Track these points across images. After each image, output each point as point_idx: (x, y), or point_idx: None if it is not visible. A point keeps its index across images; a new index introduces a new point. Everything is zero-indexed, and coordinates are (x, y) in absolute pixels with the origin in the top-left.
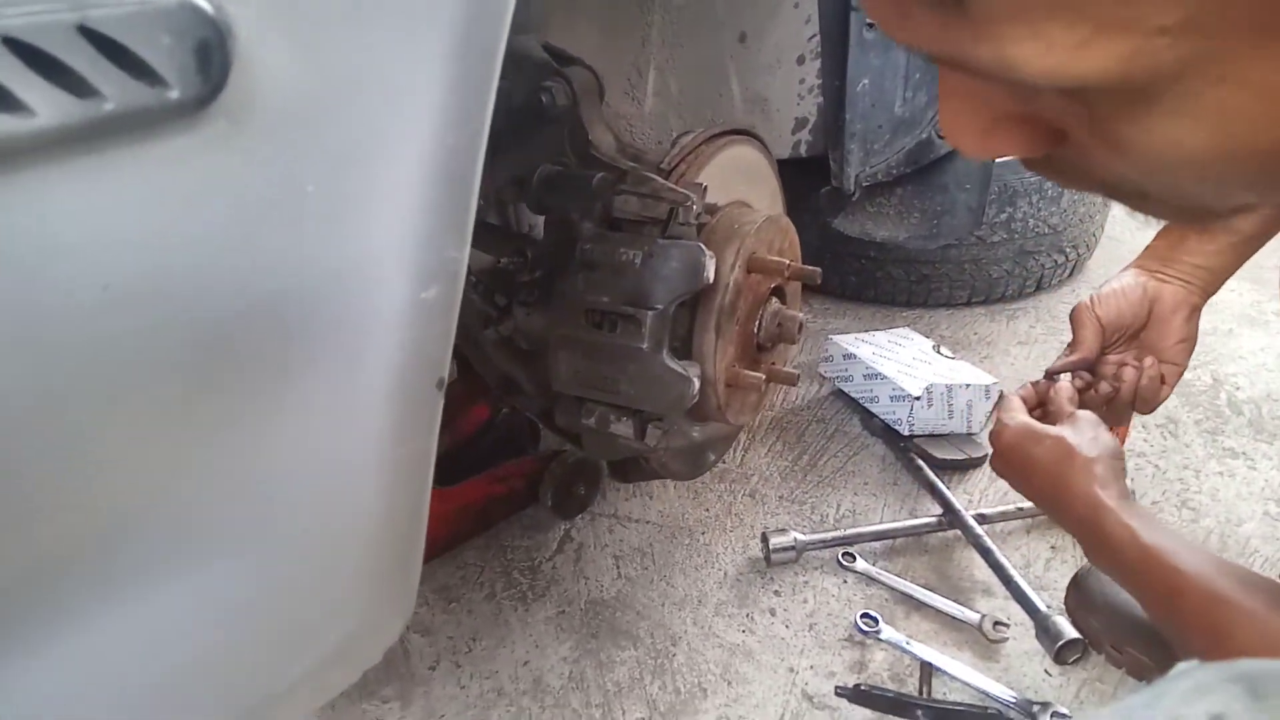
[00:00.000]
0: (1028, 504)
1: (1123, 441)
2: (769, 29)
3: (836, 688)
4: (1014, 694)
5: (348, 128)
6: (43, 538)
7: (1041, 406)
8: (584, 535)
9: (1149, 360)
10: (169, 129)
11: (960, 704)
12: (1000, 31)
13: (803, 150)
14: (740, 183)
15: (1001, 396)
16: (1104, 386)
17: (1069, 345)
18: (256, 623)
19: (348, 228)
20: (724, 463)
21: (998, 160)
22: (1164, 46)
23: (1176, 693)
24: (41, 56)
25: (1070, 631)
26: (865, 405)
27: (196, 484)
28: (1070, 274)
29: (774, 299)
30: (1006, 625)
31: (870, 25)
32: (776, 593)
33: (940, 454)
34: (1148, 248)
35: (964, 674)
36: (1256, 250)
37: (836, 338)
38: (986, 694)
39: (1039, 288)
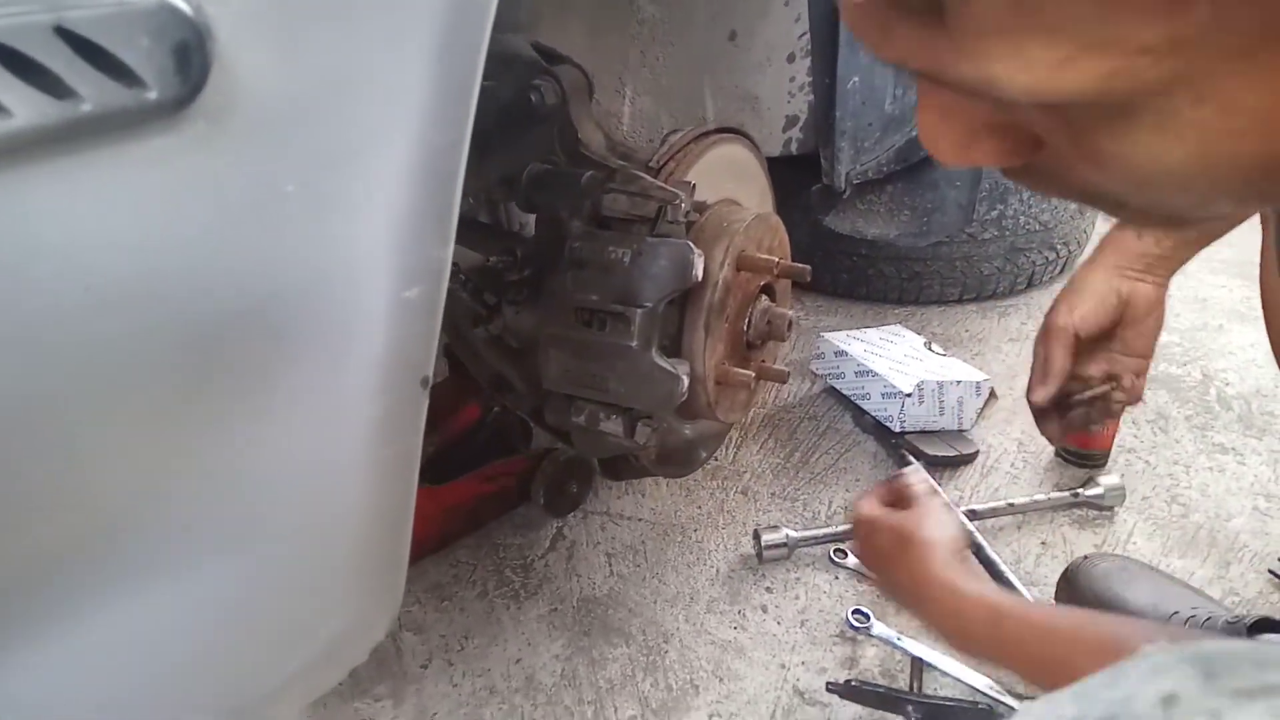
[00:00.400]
0: (1019, 500)
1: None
2: (759, 27)
3: (828, 684)
4: (1004, 688)
5: (329, 128)
6: (31, 539)
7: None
8: (576, 533)
9: (1132, 364)
10: (148, 130)
11: (951, 699)
12: (981, 49)
13: (793, 148)
14: (729, 181)
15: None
16: (1087, 393)
17: (1042, 363)
18: (244, 622)
19: (330, 227)
20: (716, 460)
21: None
22: (1145, 66)
23: (1135, 674)
24: (18, 58)
25: None
26: (857, 402)
27: (182, 484)
28: (1061, 271)
29: (764, 297)
30: None
31: None
32: (768, 589)
33: (931, 450)
34: (1111, 237)
35: (954, 669)
36: (1225, 234)
37: (828, 335)
38: (976, 689)
39: (1030, 285)
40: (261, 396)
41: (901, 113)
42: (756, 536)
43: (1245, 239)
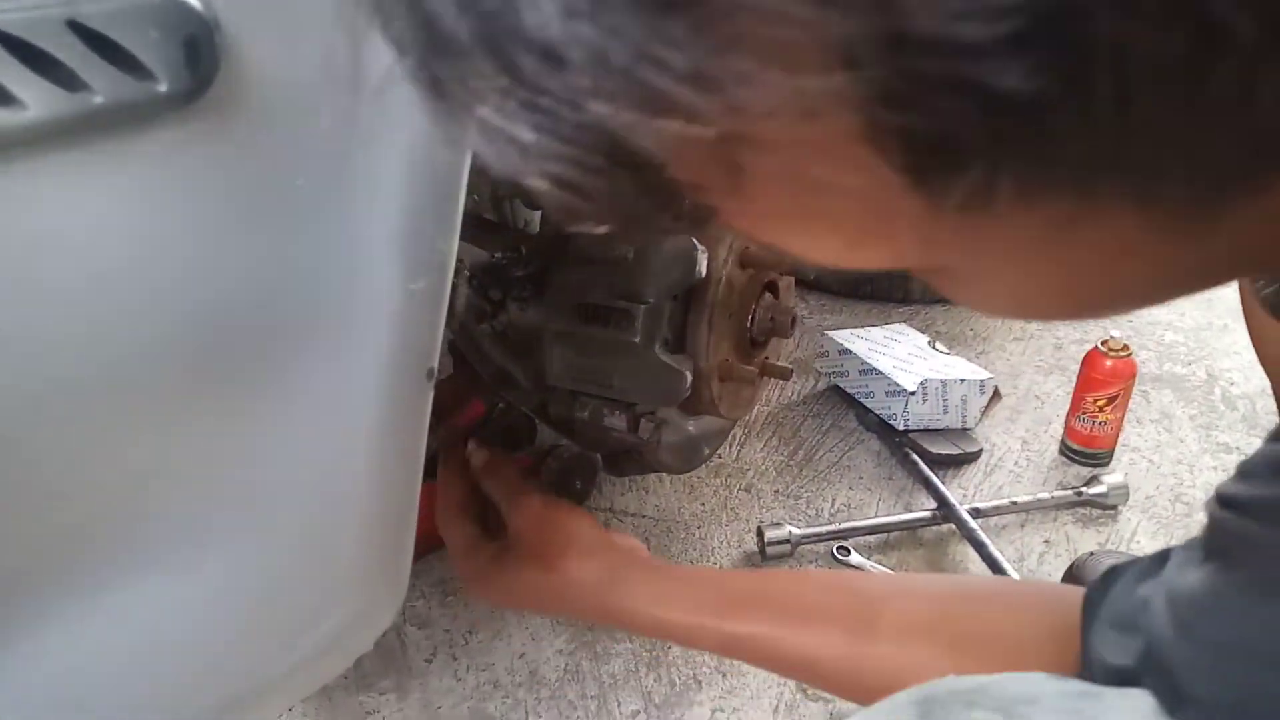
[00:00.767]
0: (1022, 498)
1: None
2: None
3: None
4: None
5: (337, 121)
6: (39, 529)
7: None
8: None
9: None
10: (158, 123)
11: None
12: (772, 226)
13: None
14: None
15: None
16: None
17: None
18: (251, 612)
19: (338, 219)
20: (720, 457)
21: None
22: (923, 254)
23: (871, 713)
24: (31, 51)
25: None
26: (861, 400)
27: (188, 474)
28: None
29: (767, 293)
30: None
31: None
32: None
33: (935, 449)
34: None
35: None
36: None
37: (832, 333)
38: None
39: None
40: (269, 386)
41: None
42: (760, 533)
43: None
